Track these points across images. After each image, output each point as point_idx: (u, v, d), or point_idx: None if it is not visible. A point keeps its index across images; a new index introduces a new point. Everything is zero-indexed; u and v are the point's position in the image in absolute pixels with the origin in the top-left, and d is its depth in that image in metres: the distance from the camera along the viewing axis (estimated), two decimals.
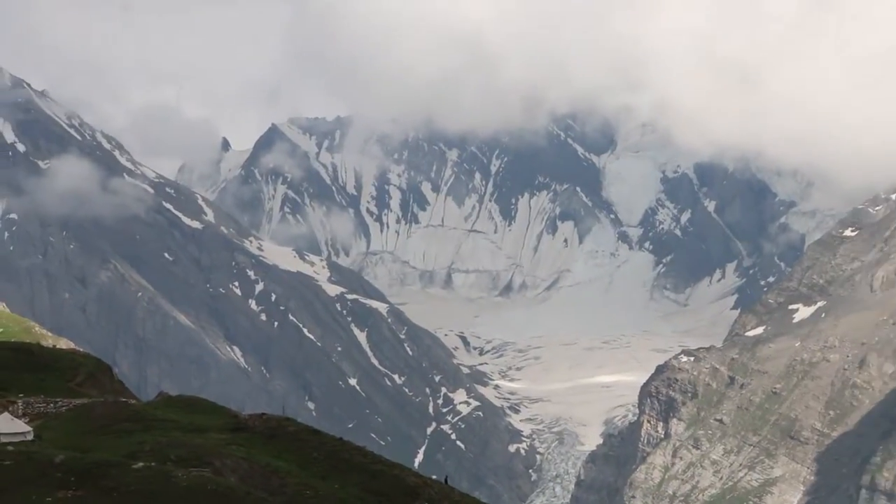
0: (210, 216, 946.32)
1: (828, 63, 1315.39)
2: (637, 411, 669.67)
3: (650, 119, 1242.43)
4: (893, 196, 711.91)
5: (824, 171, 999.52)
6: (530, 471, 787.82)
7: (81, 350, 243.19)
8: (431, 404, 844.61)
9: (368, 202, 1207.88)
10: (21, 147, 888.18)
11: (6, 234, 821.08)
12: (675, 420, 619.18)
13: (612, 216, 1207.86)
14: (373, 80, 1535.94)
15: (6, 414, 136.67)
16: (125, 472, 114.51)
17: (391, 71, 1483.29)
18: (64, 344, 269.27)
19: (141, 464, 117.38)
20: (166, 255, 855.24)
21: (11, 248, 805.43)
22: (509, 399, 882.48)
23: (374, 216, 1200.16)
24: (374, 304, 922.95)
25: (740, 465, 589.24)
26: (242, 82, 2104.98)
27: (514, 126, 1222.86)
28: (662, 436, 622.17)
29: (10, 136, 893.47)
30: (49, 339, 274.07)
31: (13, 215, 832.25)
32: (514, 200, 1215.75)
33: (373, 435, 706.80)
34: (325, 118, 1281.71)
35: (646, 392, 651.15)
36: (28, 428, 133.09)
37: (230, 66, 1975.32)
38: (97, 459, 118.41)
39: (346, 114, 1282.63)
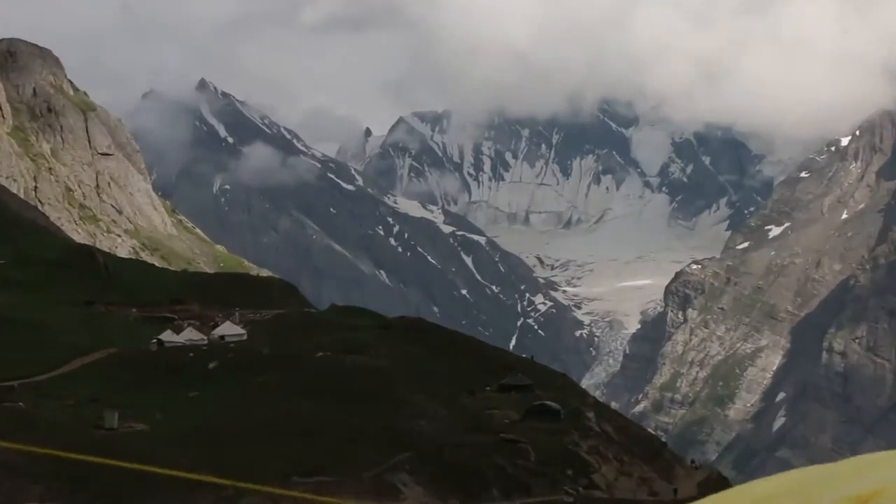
0: (360, 181, 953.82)
1: (770, 57, 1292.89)
2: (663, 304, 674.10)
3: (657, 104, 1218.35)
4: (833, 148, 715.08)
5: (783, 132, 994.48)
6: (591, 349, 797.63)
7: (276, 277, 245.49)
8: (519, 305, 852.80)
9: (468, 167, 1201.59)
10: (230, 139, 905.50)
11: (222, 199, 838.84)
12: (690, 309, 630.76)
13: (639, 170, 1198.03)
14: (465, 84, 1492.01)
15: (228, 322, 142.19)
16: (310, 359, 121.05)
17: (477, 77, 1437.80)
18: (265, 273, 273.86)
19: (320, 353, 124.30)
20: (331, 209, 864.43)
21: (226, 208, 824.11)
22: (573, 299, 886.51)
23: (473, 177, 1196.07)
24: (476, 237, 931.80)
25: (737, 338, 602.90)
26: (376, 88, 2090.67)
27: (567, 112, 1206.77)
28: (682, 321, 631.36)
29: (222, 133, 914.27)
30: (254, 270, 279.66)
31: (227, 186, 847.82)
32: (569, 162, 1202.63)
33: (479, 328, 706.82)
34: (435, 110, 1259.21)
35: (668, 291, 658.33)
36: (243, 331, 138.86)
37: (368, 76, 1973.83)
38: (290, 351, 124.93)
39: (447, 108, 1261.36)
